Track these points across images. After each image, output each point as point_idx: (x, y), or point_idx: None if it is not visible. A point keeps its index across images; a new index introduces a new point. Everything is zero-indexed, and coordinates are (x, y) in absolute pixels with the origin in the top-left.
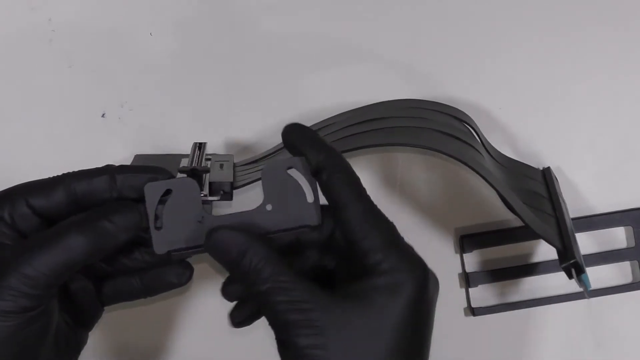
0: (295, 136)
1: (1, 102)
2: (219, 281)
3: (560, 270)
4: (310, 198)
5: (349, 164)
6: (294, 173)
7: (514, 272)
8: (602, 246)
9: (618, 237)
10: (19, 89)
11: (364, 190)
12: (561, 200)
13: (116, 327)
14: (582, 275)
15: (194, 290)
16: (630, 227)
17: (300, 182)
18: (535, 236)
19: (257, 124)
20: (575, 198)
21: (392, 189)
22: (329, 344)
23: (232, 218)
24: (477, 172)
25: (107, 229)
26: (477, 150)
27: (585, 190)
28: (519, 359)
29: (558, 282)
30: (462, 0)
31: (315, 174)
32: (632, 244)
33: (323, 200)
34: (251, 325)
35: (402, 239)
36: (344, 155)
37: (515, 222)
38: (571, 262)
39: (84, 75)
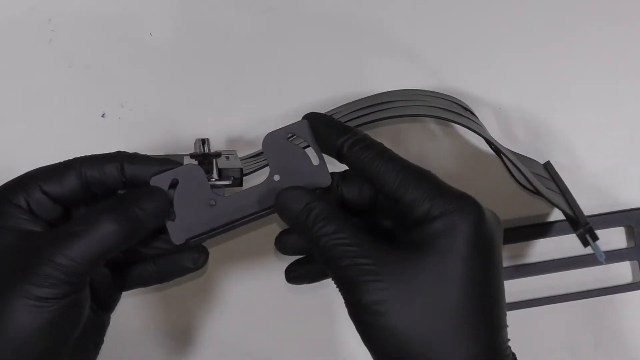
0: (313, 124)
1: (1, 102)
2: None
3: (559, 270)
4: (315, 161)
5: (367, 134)
6: (296, 139)
7: (514, 272)
8: (602, 246)
9: (618, 237)
10: (19, 89)
11: (388, 150)
12: (566, 184)
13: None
14: (595, 243)
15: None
16: (630, 227)
17: (303, 146)
18: (536, 235)
19: (257, 123)
20: (576, 198)
21: None
22: (394, 297)
23: (243, 195)
24: (484, 138)
25: (139, 217)
26: (482, 127)
27: (585, 190)
28: (518, 359)
29: (558, 282)
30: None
31: (338, 157)
32: (632, 244)
33: (329, 162)
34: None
35: (444, 182)
36: None
37: (515, 222)
38: (586, 228)
39: (84, 75)
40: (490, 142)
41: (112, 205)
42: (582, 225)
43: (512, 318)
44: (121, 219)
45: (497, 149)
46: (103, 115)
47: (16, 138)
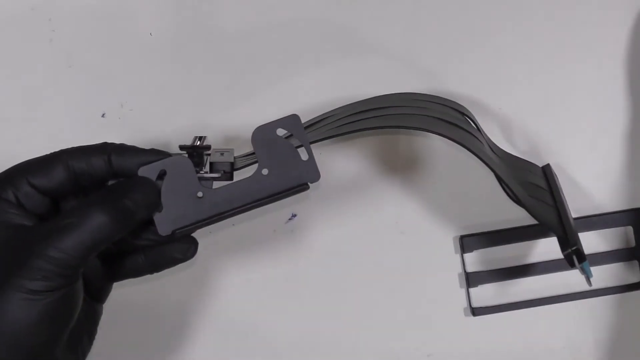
0: None
1: (1, 102)
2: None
3: (559, 270)
4: (304, 155)
5: None
6: (285, 133)
7: (514, 272)
8: (602, 246)
9: (618, 237)
10: (19, 89)
11: None
12: (562, 193)
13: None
14: (584, 263)
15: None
16: (630, 227)
17: (292, 141)
18: (536, 235)
19: (256, 122)
20: (576, 198)
21: (392, 183)
22: None
23: (231, 188)
24: (478, 156)
25: (129, 207)
26: (477, 139)
27: (585, 190)
28: (519, 359)
29: (558, 282)
30: (464, 1)
31: None
32: (633, 244)
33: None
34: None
35: None
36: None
37: (515, 222)
38: (573, 249)
39: (84, 75)
40: (480, 158)
41: (102, 196)
42: (570, 245)
43: (513, 318)
44: (111, 210)
45: (487, 165)
46: (103, 115)
47: (16, 138)
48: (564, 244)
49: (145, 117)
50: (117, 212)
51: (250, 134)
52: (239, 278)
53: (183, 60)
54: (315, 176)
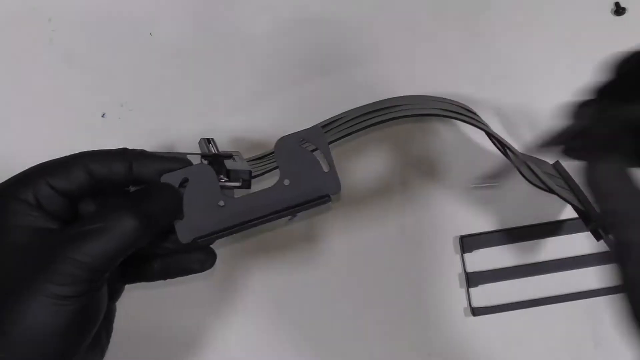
0: None
1: (1, 102)
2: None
3: (560, 270)
4: (326, 167)
5: None
6: (307, 145)
7: (514, 272)
8: (602, 246)
9: None
10: (19, 89)
11: None
12: (577, 182)
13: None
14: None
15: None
16: None
17: (314, 152)
18: (536, 235)
19: (258, 124)
20: None
21: (391, 183)
22: None
23: (252, 198)
24: (490, 135)
25: (156, 213)
26: (487, 126)
27: (585, 189)
28: (519, 359)
29: (558, 281)
30: (466, 3)
31: None
32: None
33: (339, 168)
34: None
35: None
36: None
37: (515, 222)
38: (598, 222)
39: (84, 75)
40: (496, 139)
41: (130, 201)
42: (593, 219)
43: (513, 318)
44: (141, 215)
45: (502, 144)
46: (103, 115)
47: (16, 138)
48: (587, 220)
49: (146, 117)
50: (146, 217)
51: (253, 135)
52: (238, 279)
53: (183, 60)
54: (337, 187)
